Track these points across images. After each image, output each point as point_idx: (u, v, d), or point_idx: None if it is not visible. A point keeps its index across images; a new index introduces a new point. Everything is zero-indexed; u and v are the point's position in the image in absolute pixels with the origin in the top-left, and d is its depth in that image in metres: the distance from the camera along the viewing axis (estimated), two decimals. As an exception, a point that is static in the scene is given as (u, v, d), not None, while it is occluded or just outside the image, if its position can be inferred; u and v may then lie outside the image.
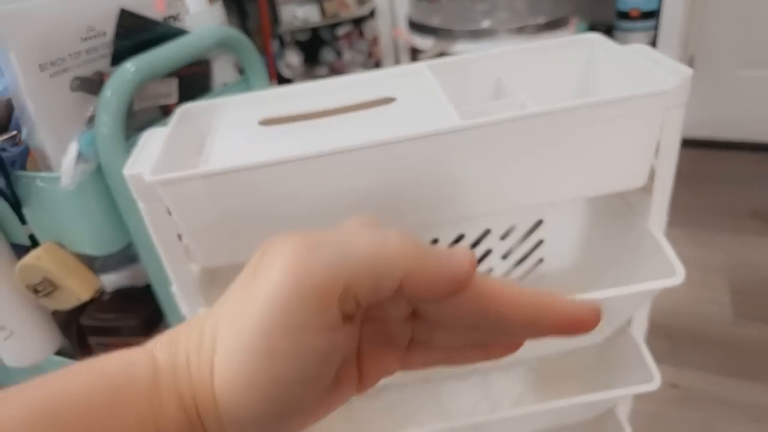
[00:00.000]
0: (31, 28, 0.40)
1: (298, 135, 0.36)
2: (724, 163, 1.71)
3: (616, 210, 0.44)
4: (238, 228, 0.34)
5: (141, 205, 0.34)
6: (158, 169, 0.32)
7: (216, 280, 0.42)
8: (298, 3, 1.92)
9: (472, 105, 0.37)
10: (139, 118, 0.47)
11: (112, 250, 0.47)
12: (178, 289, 0.38)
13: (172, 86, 0.50)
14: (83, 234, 0.46)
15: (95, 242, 0.46)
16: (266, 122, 0.37)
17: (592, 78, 0.42)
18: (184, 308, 0.39)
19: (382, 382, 0.22)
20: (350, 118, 0.36)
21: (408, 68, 0.41)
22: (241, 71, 0.60)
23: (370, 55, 2.04)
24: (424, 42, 1.34)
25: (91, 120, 0.43)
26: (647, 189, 0.38)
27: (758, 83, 1.64)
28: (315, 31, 2.06)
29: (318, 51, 2.09)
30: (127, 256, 0.65)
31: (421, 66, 0.40)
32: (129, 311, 0.58)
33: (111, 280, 0.61)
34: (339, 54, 2.07)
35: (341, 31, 2.02)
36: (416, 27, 1.38)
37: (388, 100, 0.37)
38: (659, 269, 0.37)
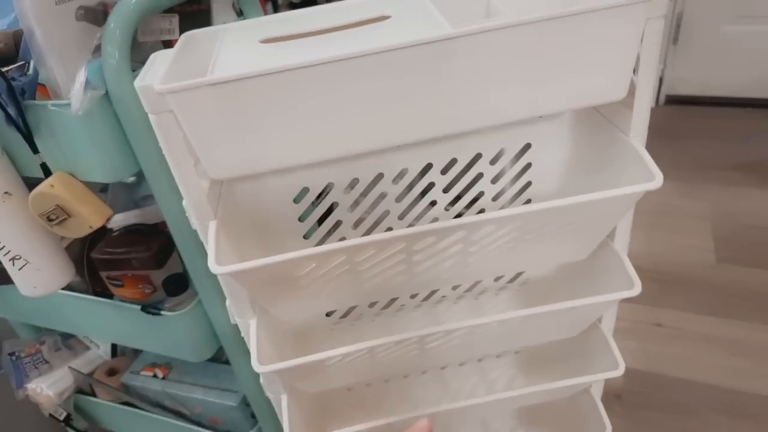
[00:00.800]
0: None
1: (298, 49, 0.38)
2: (710, 118, 1.74)
3: (600, 128, 0.46)
4: (244, 138, 0.36)
5: (151, 118, 0.36)
6: (168, 79, 0.34)
7: (222, 199, 0.44)
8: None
9: (463, 22, 0.39)
10: (143, 51, 0.49)
11: (121, 177, 0.49)
12: (188, 203, 0.41)
13: (174, 22, 0.52)
14: (93, 161, 0.48)
15: (105, 169, 0.48)
16: (267, 41, 0.39)
17: None
18: (194, 222, 0.42)
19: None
20: (347, 34, 0.38)
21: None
22: (239, 13, 0.62)
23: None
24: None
25: (97, 49, 0.45)
26: (627, 103, 0.41)
27: (744, 38, 1.66)
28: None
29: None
30: (134, 201, 0.68)
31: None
32: (138, 245, 0.61)
33: (119, 220, 0.64)
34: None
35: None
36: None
37: (383, 18, 0.40)
38: (640, 177, 0.40)
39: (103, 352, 0.86)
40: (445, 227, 0.39)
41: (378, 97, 0.36)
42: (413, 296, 0.60)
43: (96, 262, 0.62)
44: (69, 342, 0.87)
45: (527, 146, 0.50)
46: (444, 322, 0.59)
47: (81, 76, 0.42)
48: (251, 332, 0.46)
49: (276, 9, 1.97)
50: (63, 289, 0.63)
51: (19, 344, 0.82)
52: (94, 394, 0.84)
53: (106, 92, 0.45)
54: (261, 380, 0.53)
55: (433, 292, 0.60)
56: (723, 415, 0.89)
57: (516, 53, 0.35)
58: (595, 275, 0.51)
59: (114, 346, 0.86)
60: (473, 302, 0.61)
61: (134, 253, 0.60)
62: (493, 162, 0.50)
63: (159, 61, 0.39)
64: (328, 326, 0.61)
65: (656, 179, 0.39)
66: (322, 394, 0.66)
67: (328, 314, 0.60)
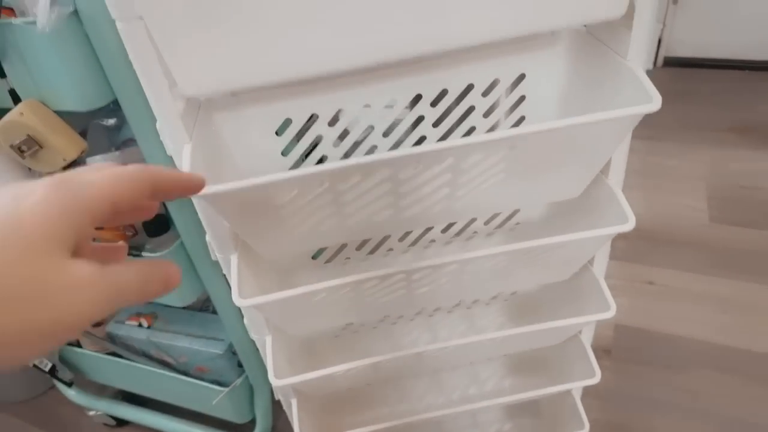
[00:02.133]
0: None
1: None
2: (707, 81, 1.72)
3: (597, 54, 0.44)
4: (218, 45, 0.34)
5: (119, 26, 0.34)
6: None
7: (199, 125, 0.42)
8: None
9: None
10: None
11: (95, 105, 0.47)
12: (161, 125, 0.39)
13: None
14: (64, 87, 0.45)
15: (77, 96, 0.46)
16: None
17: None
18: (169, 146, 0.40)
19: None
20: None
21: None
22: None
23: None
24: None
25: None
26: (625, 24, 0.39)
27: (743, 1, 1.62)
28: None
29: None
30: (115, 144, 0.65)
31: None
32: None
33: (100, 161, 0.61)
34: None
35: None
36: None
37: None
38: (637, 100, 0.38)
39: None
40: (432, 151, 0.37)
41: (362, 7, 0.33)
42: (402, 238, 0.59)
43: None
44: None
45: (521, 77, 0.48)
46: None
47: (45, -11, 0.39)
48: (232, 267, 0.45)
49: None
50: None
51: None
52: (79, 345, 0.83)
53: (75, 11, 0.42)
54: (245, 321, 0.52)
55: (423, 234, 0.59)
56: (711, 369, 0.89)
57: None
58: (588, 212, 0.50)
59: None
60: (464, 244, 0.60)
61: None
62: (485, 94, 0.48)
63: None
64: (315, 267, 0.60)
65: (654, 101, 0.37)
66: (307, 340, 0.65)
67: (314, 257, 0.59)
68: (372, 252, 0.59)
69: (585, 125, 0.37)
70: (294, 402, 0.56)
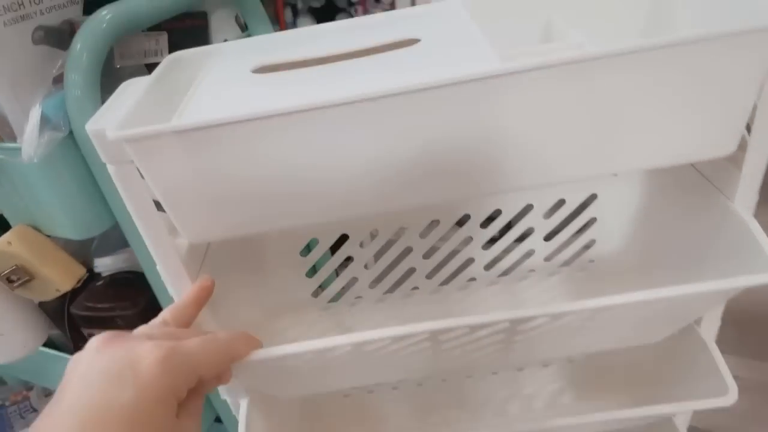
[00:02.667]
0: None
1: (296, 84, 0.29)
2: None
3: (688, 182, 0.36)
4: (222, 198, 0.28)
5: (110, 168, 0.28)
6: (127, 123, 0.26)
7: (208, 258, 0.36)
8: (314, -29, 1.82)
9: (515, 49, 0.30)
10: (122, 79, 0.41)
11: (93, 233, 0.41)
12: (161, 268, 0.32)
13: (161, 42, 0.43)
14: (58, 215, 0.40)
15: (73, 224, 0.40)
16: (261, 70, 0.30)
17: (665, 18, 0.34)
18: (171, 290, 0.33)
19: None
20: (362, 63, 0.29)
21: (437, 6, 0.33)
22: (243, 28, 0.53)
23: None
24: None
25: (58, 79, 0.37)
26: (733, 159, 0.31)
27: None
28: None
29: (333, 18, 2.00)
30: (123, 238, 0.60)
31: (453, 2, 0.33)
32: (124, 299, 0.52)
33: (106, 264, 0.55)
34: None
35: None
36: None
37: (410, 42, 0.30)
38: (745, 259, 0.30)
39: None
40: (478, 323, 0.29)
41: (396, 151, 0.26)
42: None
43: (76, 318, 0.54)
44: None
45: (592, 197, 0.40)
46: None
47: (35, 115, 0.34)
48: (242, 412, 0.37)
49: (295, 15, 1.91)
50: (43, 345, 0.55)
51: (4, 392, 0.75)
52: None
53: (70, 132, 0.36)
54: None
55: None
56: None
57: (587, 95, 0.25)
58: (673, 358, 0.40)
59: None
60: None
61: (119, 310, 0.51)
62: (547, 216, 0.40)
63: (128, 95, 0.31)
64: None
65: None
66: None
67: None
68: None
69: (675, 297, 0.29)
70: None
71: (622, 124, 0.27)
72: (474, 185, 0.28)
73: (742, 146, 0.29)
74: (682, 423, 0.45)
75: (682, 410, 0.37)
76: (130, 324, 0.52)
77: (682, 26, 0.32)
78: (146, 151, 0.26)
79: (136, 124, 0.26)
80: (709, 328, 0.38)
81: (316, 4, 2.02)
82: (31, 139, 0.34)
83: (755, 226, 0.30)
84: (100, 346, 0.23)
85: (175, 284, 0.33)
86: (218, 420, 0.65)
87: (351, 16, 2.00)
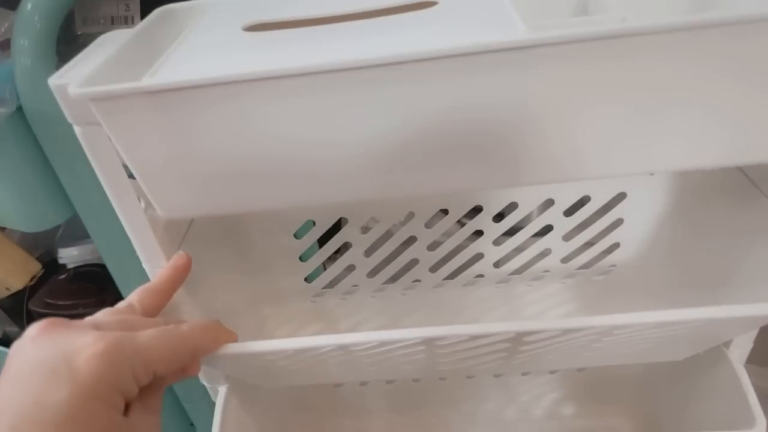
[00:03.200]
0: None
1: (293, 45, 0.25)
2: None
3: (732, 186, 0.32)
4: (204, 169, 0.24)
5: (76, 129, 0.25)
6: (94, 80, 0.22)
7: (190, 236, 0.33)
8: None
9: (546, 19, 0.25)
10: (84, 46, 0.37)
11: (47, 225, 0.37)
12: (137, 247, 0.29)
13: (132, 6, 0.39)
14: (7, 204, 0.36)
15: (24, 215, 0.36)
16: (253, 27, 0.27)
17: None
18: (147, 267, 0.30)
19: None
20: (371, 24, 0.25)
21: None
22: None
23: None
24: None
25: (4, 45, 0.33)
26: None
27: None
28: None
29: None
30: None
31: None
32: (88, 295, 0.49)
33: (71, 255, 0.52)
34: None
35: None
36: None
37: (426, 4, 0.26)
38: None
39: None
40: (477, 334, 0.26)
41: (403, 128, 0.23)
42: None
43: (35, 315, 0.50)
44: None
45: (621, 196, 0.36)
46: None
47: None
48: (219, 401, 0.34)
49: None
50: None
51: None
52: None
53: (19, 108, 0.32)
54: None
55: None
56: None
57: (628, 77, 0.21)
58: (701, 382, 0.37)
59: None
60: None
61: (82, 308, 0.48)
62: (569, 213, 0.36)
63: (102, 47, 0.28)
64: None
65: None
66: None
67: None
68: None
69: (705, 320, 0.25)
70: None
71: (665, 115, 0.22)
72: (489, 176, 0.24)
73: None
74: None
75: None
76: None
77: (738, 7, 0.28)
78: (114, 112, 0.23)
79: (106, 81, 0.22)
80: (740, 351, 0.34)
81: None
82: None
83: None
84: (36, 336, 0.20)
85: (150, 263, 0.30)
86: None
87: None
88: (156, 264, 0.30)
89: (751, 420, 0.30)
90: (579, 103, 0.22)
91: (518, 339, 0.27)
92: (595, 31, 0.20)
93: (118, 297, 0.47)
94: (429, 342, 0.26)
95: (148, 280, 0.34)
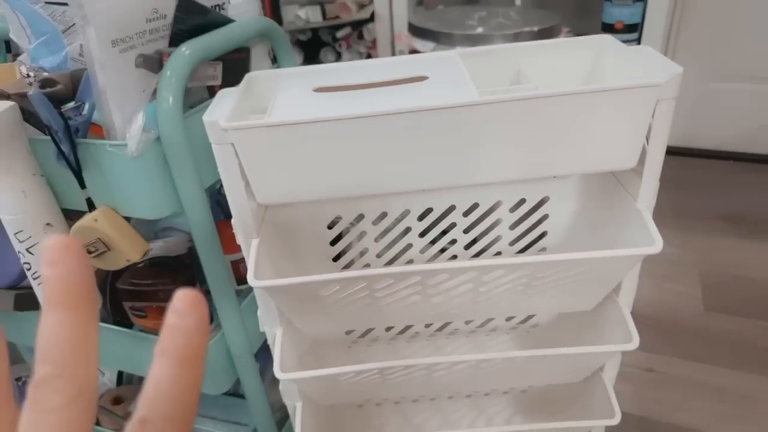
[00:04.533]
0: (108, 6, 0.45)
1: (345, 100, 0.42)
2: (698, 170, 1.82)
3: (612, 190, 0.50)
4: (290, 173, 0.40)
5: (214, 147, 0.40)
6: (231, 117, 0.38)
7: (265, 222, 0.48)
8: (300, 4, 1.98)
9: (493, 87, 0.44)
10: (189, 96, 0.52)
11: (164, 214, 0.51)
12: (236, 222, 0.44)
13: (218, 69, 0.55)
14: (139, 199, 0.50)
15: (150, 206, 0.51)
16: (319, 90, 0.43)
17: (599, 72, 0.49)
18: (240, 239, 0.45)
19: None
20: (390, 90, 0.43)
21: (441, 54, 0.47)
22: (273, 60, 0.66)
23: (369, 56, 2.11)
24: (424, 46, 1.41)
25: (153, 94, 0.48)
26: (638, 171, 0.45)
27: (731, 96, 1.76)
28: (315, 32, 2.12)
29: (318, 51, 2.16)
30: (154, 232, 0.70)
31: (452, 53, 0.47)
32: (164, 277, 0.62)
33: (156, 247, 0.65)
34: (339, 55, 2.13)
35: (341, 33, 2.09)
36: (416, 31, 1.45)
37: (421, 78, 0.44)
38: (642, 240, 0.44)
39: (108, 380, 0.86)
40: (457, 267, 0.42)
41: (407, 149, 0.40)
42: (427, 326, 0.63)
43: (121, 292, 0.63)
44: (74, 364, 0.87)
45: (545, 199, 0.54)
46: (451, 354, 0.63)
47: (139, 120, 0.45)
48: (276, 341, 0.49)
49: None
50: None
51: (26, 370, 0.82)
52: (98, 423, 0.84)
53: (158, 136, 0.48)
54: (280, 387, 0.56)
55: (446, 324, 0.63)
56: (711, 460, 0.91)
57: (537, 122, 0.39)
58: (599, 326, 0.54)
59: (120, 375, 0.86)
60: (483, 338, 0.64)
61: (161, 285, 0.61)
62: (512, 210, 0.54)
63: (225, 98, 0.43)
64: (346, 344, 0.63)
65: (656, 244, 0.42)
66: (333, 407, 0.67)
67: (347, 332, 0.62)
68: (399, 333, 0.63)
69: (592, 260, 0.43)
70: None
71: (559, 141, 0.41)
72: (456, 177, 0.41)
73: (642, 161, 0.44)
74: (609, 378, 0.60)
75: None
76: (169, 297, 0.62)
77: (611, 78, 0.47)
78: (245, 137, 0.38)
79: (237, 119, 0.38)
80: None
81: (303, 38, 2.18)
82: (135, 137, 0.45)
83: (649, 219, 0.44)
84: None
85: (245, 233, 0.44)
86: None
87: (335, 51, 2.15)
88: (249, 236, 0.44)
89: (651, 241, 0.42)
90: (511, 134, 0.40)
91: (478, 278, 0.44)
92: (516, 95, 0.38)
93: (189, 278, 0.60)
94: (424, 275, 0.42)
95: (222, 265, 0.49)
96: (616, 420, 0.54)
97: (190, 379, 0.17)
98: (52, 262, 0.16)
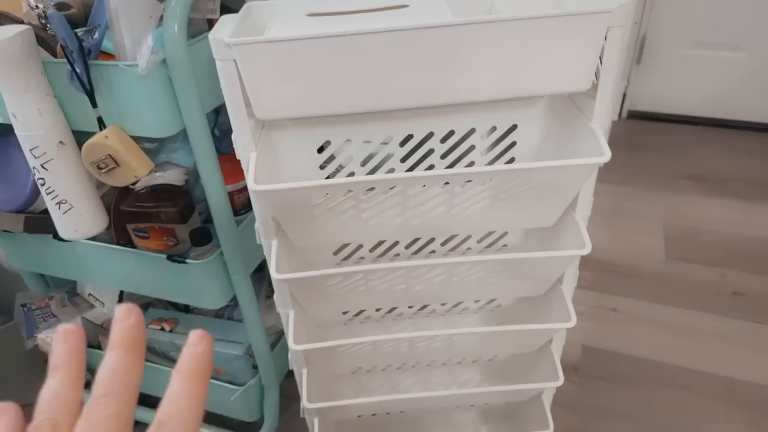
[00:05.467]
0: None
1: (335, 23, 0.47)
2: (667, 134, 1.91)
3: (572, 115, 0.57)
4: (286, 87, 0.45)
5: (218, 64, 0.45)
6: (234, 35, 0.43)
7: (261, 143, 0.53)
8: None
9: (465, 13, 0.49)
10: (191, 27, 0.57)
11: (169, 133, 0.56)
12: (236, 135, 0.49)
13: (216, 3, 0.60)
14: (146, 118, 0.55)
15: (156, 125, 0.55)
16: (312, 15, 0.48)
17: (563, 4, 0.54)
18: (240, 152, 0.50)
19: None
20: (375, 15, 0.48)
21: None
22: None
23: None
24: None
25: (159, 21, 0.53)
26: (592, 95, 0.51)
27: (700, 62, 1.84)
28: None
29: None
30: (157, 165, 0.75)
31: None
32: (166, 201, 0.67)
33: (141, 181, 0.70)
34: None
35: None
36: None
37: (402, 6, 0.49)
38: (594, 152, 0.50)
39: (107, 309, 0.92)
40: (434, 175, 0.48)
41: (391, 66, 0.45)
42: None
43: (125, 214, 0.68)
44: (75, 299, 0.92)
45: (514, 126, 0.60)
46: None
47: (149, 41, 0.50)
48: (272, 250, 0.55)
49: None
50: (88, 240, 0.69)
51: (30, 297, 0.87)
52: (99, 347, 0.89)
53: (164, 58, 0.52)
54: (275, 297, 0.63)
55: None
56: (664, 386, 1.01)
57: (503, 44, 0.45)
58: (558, 238, 0.61)
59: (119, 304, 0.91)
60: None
61: (162, 208, 0.66)
62: (484, 137, 0.60)
63: (226, 23, 0.48)
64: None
65: (605, 155, 0.48)
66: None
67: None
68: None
69: (549, 168, 0.49)
70: (304, 372, 0.66)
71: (523, 64, 0.47)
72: (434, 96, 0.47)
73: (596, 85, 0.50)
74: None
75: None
76: (171, 219, 0.67)
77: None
78: (246, 53, 0.43)
79: (239, 36, 0.43)
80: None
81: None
82: (144, 57, 0.50)
83: (601, 135, 0.51)
84: None
85: (244, 146, 0.49)
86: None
87: None
88: (248, 150, 0.49)
89: (601, 152, 0.49)
90: (482, 55, 0.45)
91: (450, 201, 0.50)
92: (480, 18, 0.43)
93: (189, 204, 0.65)
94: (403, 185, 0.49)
95: (222, 183, 0.55)
96: (572, 323, 0.61)
97: (198, 391, 0.21)
98: (120, 318, 0.22)
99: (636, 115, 1.99)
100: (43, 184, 0.58)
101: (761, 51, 1.74)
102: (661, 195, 1.54)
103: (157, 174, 0.72)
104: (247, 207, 0.75)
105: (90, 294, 0.93)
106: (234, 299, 0.73)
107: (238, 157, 0.51)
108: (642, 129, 1.94)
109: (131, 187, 0.70)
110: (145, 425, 0.21)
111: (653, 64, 1.88)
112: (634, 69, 1.91)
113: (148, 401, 0.50)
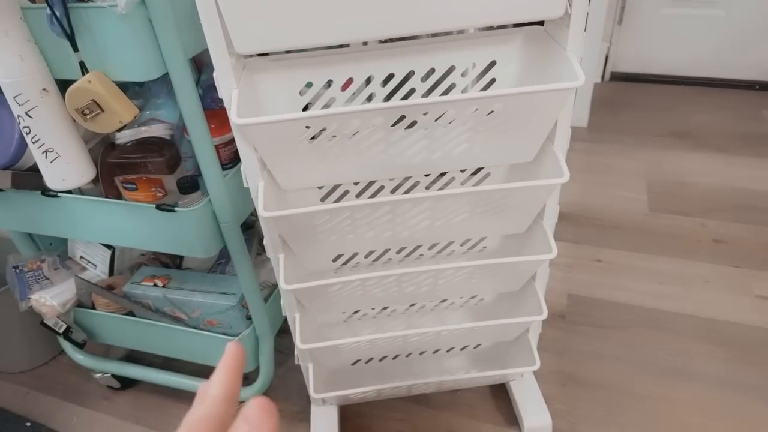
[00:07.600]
0: None
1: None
2: (648, 93, 1.93)
3: (548, 46, 0.58)
4: (264, 21, 0.46)
5: (197, -1, 0.45)
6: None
7: (242, 83, 0.54)
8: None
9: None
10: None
11: (151, 76, 0.57)
12: (218, 72, 0.50)
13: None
14: (128, 61, 0.55)
15: (138, 68, 0.56)
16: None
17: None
18: (221, 90, 0.51)
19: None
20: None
21: None
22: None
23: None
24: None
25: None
26: (566, 23, 0.52)
27: (681, 21, 1.85)
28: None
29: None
30: (137, 123, 0.75)
31: None
32: (152, 152, 0.68)
33: (126, 135, 0.70)
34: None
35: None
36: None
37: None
38: (569, 77, 0.52)
39: (100, 271, 0.93)
40: (416, 104, 0.50)
41: None
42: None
43: (113, 166, 0.69)
44: (66, 262, 0.93)
45: (493, 63, 0.61)
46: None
47: (127, -20, 0.50)
48: (260, 190, 0.56)
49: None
50: (77, 195, 0.69)
51: (21, 259, 0.87)
52: (93, 307, 0.90)
53: None
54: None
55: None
56: (647, 328, 1.04)
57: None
58: (539, 172, 0.63)
59: (111, 265, 0.92)
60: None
61: (149, 158, 0.67)
62: (464, 74, 0.61)
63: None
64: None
65: (579, 78, 0.50)
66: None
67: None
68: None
69: (527, 94, 0.50)
70: (297, 316, 0.70)
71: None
72: (410, 25, 0.48)
73: (569, 14, 0.51)
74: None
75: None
76: (158, 169, 0.68)
77: None
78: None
79: None
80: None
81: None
82: (123, -4, 0.50)
83: (576, 62, 0.52)
84: None
85: (226, 84, 0.50)
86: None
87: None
88: (230, 88, 0.50)
89: (575, 76, 0.50)
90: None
91: (430, 148, 0.51)
92: None
93: (175, 155, 0.66)
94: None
95: (206, 127, 0.56)
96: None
97: None
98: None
99: (619, 77, 2.01)
100: (28, 133, 0.58)
101: (738, 7, 1.76)
102: (644, 152, 1.57)
103: (143, 129, 0.72)
104: (233, 161, 0.76)
105: (81, 257, 0.94)
106: (227, 256, 0.74)
107: (220, 96, 0.52)
108: (625, 90, 1.96)
109: (117, 142, 0.71)
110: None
111: (635, 24, 1.89)
112: (616, 30, 1.92)
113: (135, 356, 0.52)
